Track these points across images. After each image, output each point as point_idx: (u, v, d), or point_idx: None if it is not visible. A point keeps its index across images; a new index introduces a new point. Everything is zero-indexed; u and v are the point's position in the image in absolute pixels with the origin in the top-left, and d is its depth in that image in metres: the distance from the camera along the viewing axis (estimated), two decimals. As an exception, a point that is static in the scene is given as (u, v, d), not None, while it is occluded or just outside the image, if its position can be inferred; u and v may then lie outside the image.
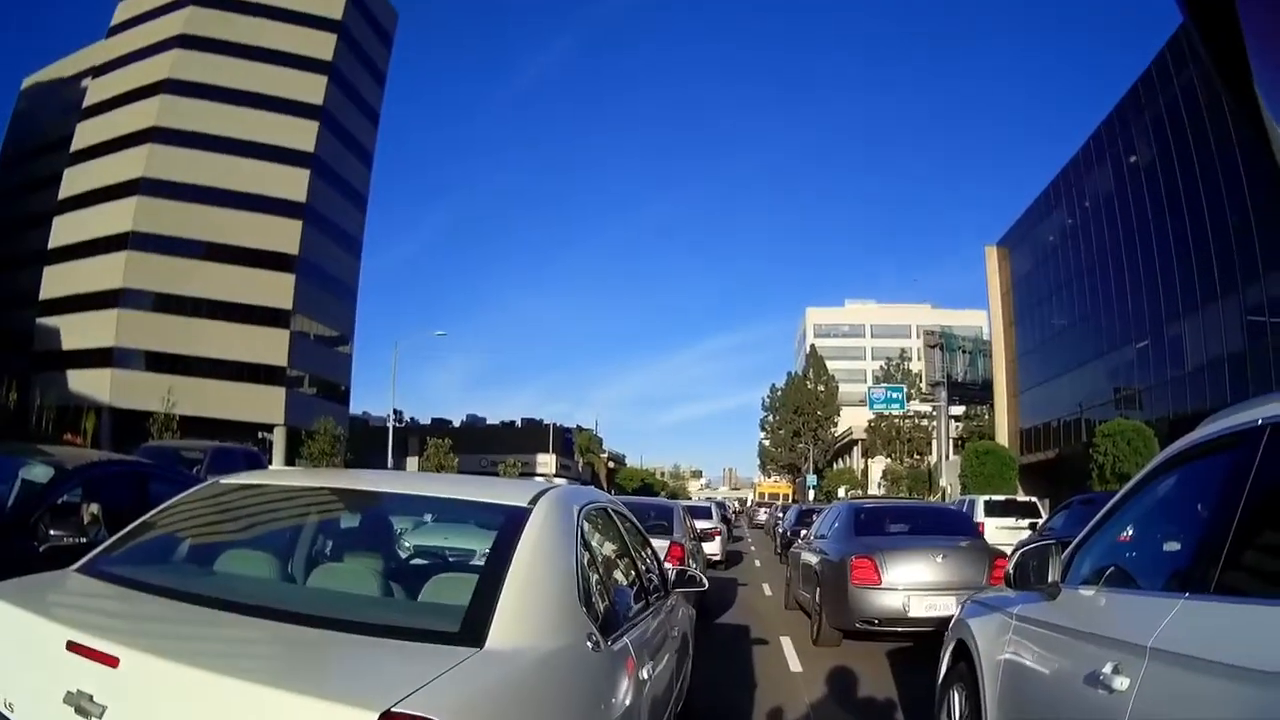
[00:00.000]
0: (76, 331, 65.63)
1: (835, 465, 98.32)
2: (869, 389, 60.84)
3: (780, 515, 36.68)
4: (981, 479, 41.07)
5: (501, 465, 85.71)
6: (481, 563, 3.42)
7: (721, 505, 28.69)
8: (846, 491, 72.31)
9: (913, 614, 9.66)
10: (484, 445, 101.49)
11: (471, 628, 2.69)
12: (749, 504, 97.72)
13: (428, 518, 4.61)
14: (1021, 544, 11.01)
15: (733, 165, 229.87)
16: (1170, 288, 39.71)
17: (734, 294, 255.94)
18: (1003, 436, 58.81)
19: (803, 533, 16.58)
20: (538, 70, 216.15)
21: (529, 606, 2.89)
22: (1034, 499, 23.28)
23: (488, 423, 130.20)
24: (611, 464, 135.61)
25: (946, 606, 8.94)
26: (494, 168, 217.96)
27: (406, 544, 4.58)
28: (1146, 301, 42.00)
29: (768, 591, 17.21)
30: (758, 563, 25.82)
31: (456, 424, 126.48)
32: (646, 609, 4.37)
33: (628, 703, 3.31)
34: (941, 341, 67.62)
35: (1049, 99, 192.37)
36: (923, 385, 70.60)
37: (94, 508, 6.12)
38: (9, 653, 2.63)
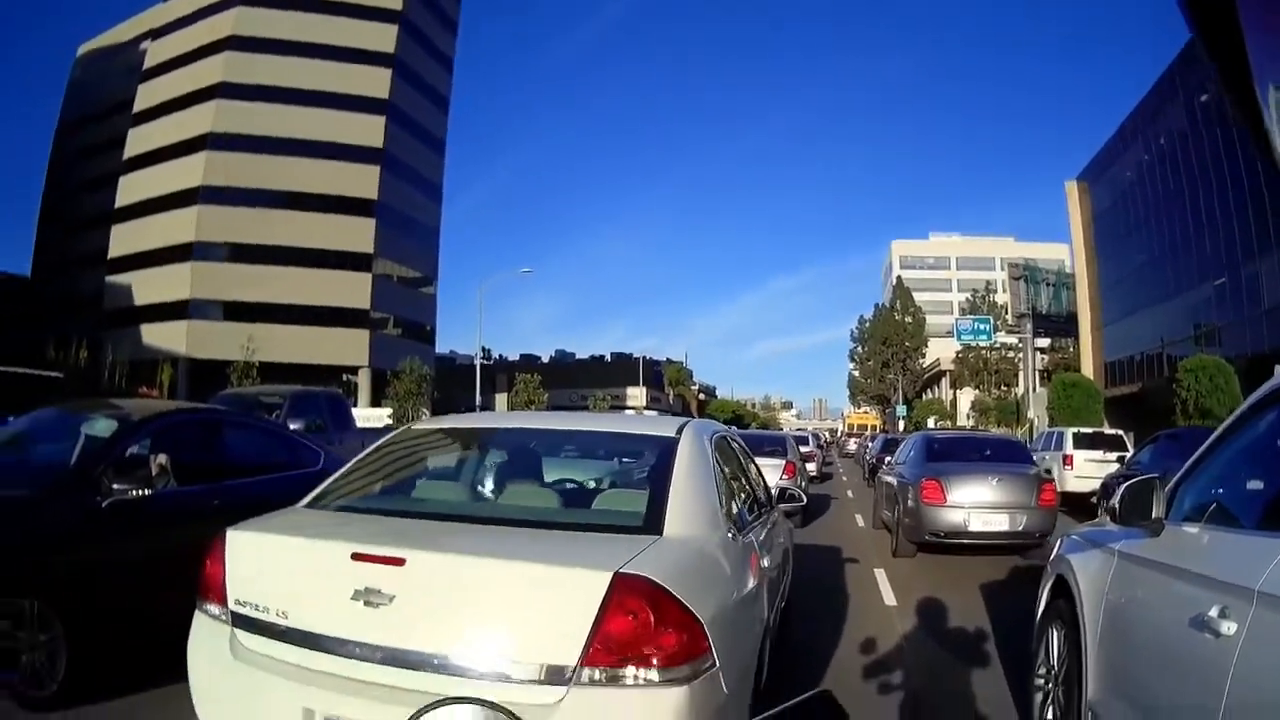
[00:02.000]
0: (150, 286, 67.16)
1: (924, 396, 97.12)
2: (956, 320, 59.58)
3: (869, 444, 38.51)
4: (1069, 411, 40.75)
5: (591, 399, 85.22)
6: (640, 479, 4.51)
7: (804, 439, 30.25)
8: (935, 422, 71.59)
9: (972, 528, 11.34)
10: (573, 380, 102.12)
11: (654, 522, 3.62)
12: (839, 434, 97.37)
13: (574, 449, 5.63)
14: (1113, 476, 13.19)
15: (816, 99, 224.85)
16: (1245, 225, 38.81)
17: (820, 227, 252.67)
18: (1088, 369, 57.85)
19: (887, 460, 18.10)
20: (619, 7, 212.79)
21: (688, 508, 3.79)
22: (1120, 432, 22.68)
23: (576, 357, 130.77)
24: (702, 396, 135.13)
25: (1000, 523, 11.33)
26: (576, 104, 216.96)
27: (570, 470, 5.52)
28: (1224, 238, 41.12)
29: (859, 522, 17.65)
30: (850, 493, 26.04)
31: (545, 360, 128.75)
32: (759, 518, 5.31)
33: (754, 580, 4.22)
34: (1026, 274, 65.37)
35: (1128, 30, 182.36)
36: (1009, 317, 68.66)
37: (162, 459, 5.97)
38: (296, 570, 3.40)
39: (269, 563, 3.50)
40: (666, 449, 4.22)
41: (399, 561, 3.12)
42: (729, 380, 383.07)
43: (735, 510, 4.54)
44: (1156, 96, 49.88)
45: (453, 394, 70.10)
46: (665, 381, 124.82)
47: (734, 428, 11.77)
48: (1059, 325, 66.13)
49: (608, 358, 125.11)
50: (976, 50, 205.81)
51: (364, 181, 71.34)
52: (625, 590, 2.97)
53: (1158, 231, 49.82)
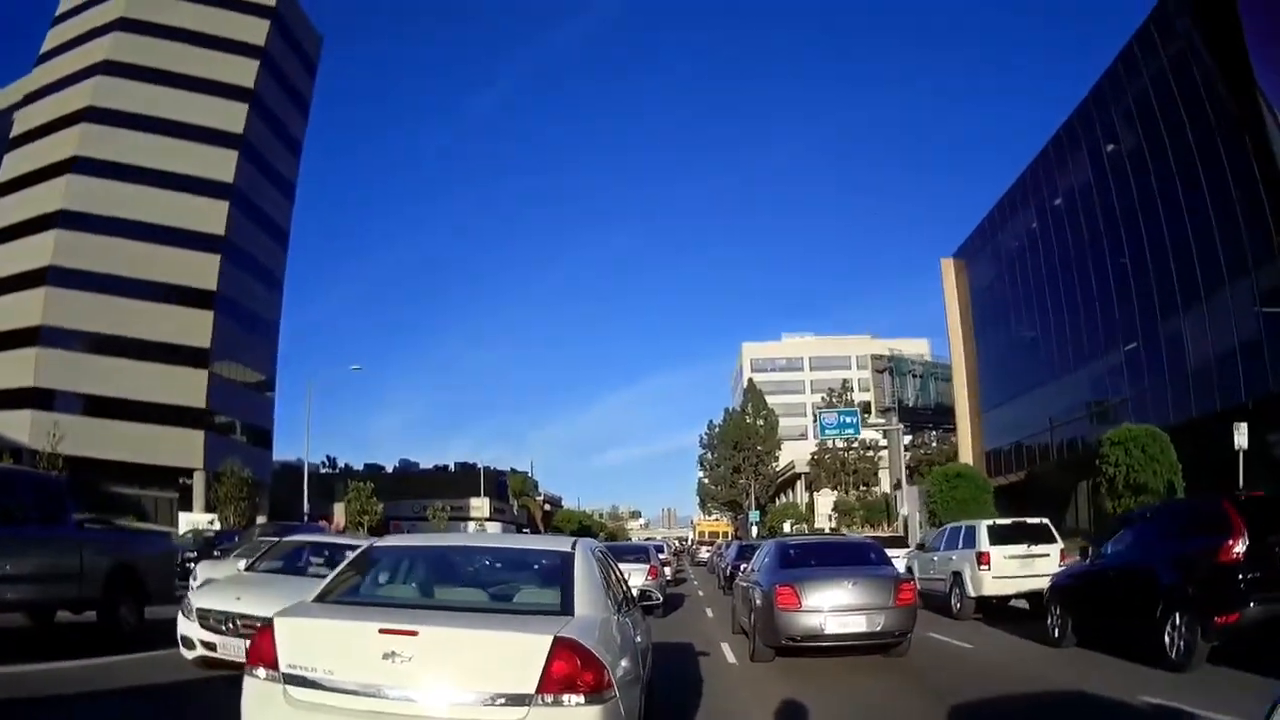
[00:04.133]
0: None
1: (778, 500, 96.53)
2: (820, 413, 57.57)
3: (723, 552, 37.16)
4: (954, 505, 37.96)
5: (430, 509, 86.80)
6: (551, 578, 6.02)
7: (660, 548, 32.13)
8: (792, 526, 70.48)
9: (829, 631, 11.65)
10: (417, 490, 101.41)
11: (567, 607, 5.41)
12: (690, 542, 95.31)
13: (495, 560, 7.03)
14: (1069, 573, 13.36)
15: (661, 204, 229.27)
16: (1165, 281, 38.00)
17: (668, 336, 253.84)
18: (966, 458, 56.85)
19: (743, 567, 18.84)
20: (472, 110, 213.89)
21: (587, 597, 5.56)
22: (1045, 520, 19.46)
23: (420, 467, 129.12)
24: (548, 506, 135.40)
25: (858, 624, 11.60)
26: (421, 218, 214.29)
27: (500, 573, 6.76)
28: (1136, 301, 40.11)
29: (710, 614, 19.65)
30: (708, 610, 25.82)
31: (389, 469, 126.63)
32: (630, 610, 7.06)
33: (632, 646, 6.08)
34: (891, 365, 65.92)
35: (981, 116, 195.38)
36: (872, 413, 68.90)
37: None
38: (336, 642, 4.89)
39: (313, 638, 4.94)
40: (566, 558, 6.00)
41: (413, 633, 4.69)
42: (576, 489, 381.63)
43: (614, 600, 6.24)
44: (1049, 157, 49.71)
45: (292, 501, 66.77)
46: (509, 492, 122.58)
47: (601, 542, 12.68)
48: (927, 417, 66.27)
49: (452, 467, 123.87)
50: (820, 148, 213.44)
51: (204, 270, 67.18)
52: (561, 647, 4.66)
53: (1049, 303, 49.20)
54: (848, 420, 54.66)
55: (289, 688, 4.71)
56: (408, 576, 6.37)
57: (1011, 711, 9.14)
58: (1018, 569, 17.68)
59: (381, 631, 4.69)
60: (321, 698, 4.66)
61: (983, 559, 17.86)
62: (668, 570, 28.94)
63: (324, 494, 74.76)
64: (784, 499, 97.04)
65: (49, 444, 41.28)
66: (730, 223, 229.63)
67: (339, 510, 70.49)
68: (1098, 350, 44.10)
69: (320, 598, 5.54)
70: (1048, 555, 17.90)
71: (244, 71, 72.66)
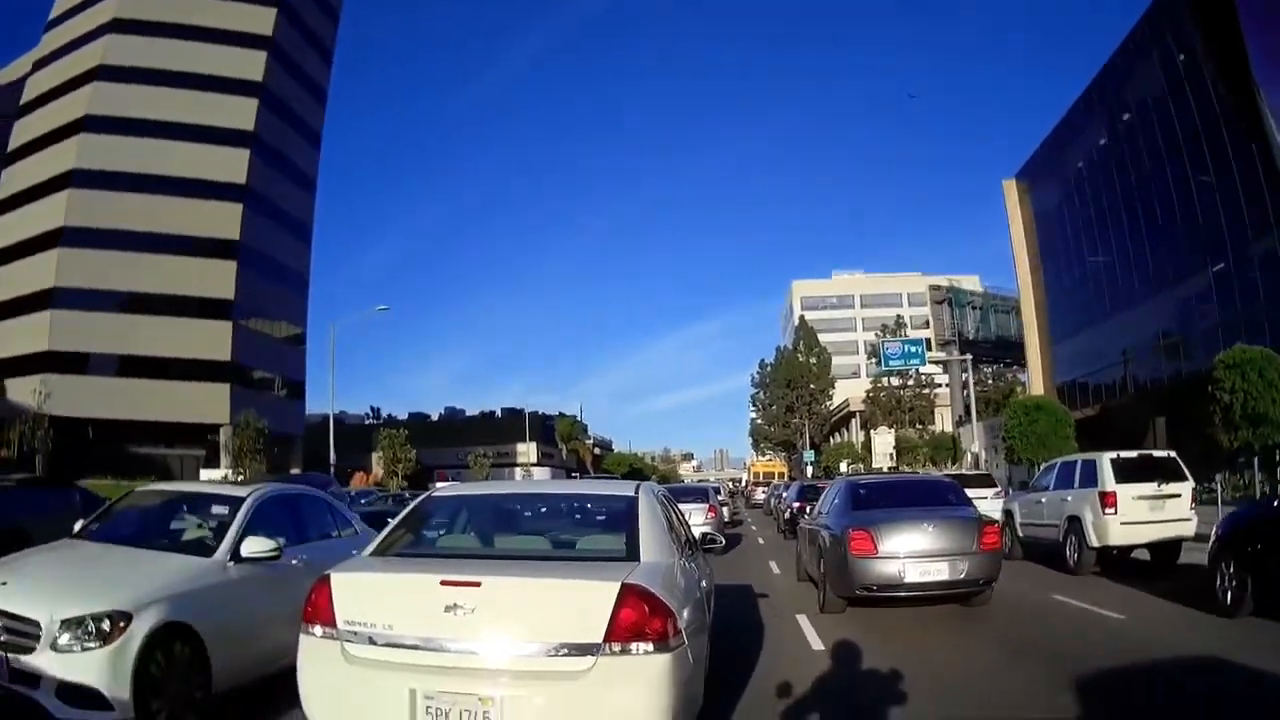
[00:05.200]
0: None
1: (832, 440, 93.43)
2: (882, 343, 53.78)
3: (782, 493, 34.98)
4: (1033, 440, 35.06)
5: (471, 456, 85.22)
6: (616, 523, 5.83)
7: (716, 489, 30.73)
8: (848, 466, 67.63)
9: (908, 579, 10.55)
10: (464, 438, 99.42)
11: (633, 552, 5.28)
12: (744, 484, 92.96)
13: (557, 507, 6.97)
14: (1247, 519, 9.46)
15: (708, 151, 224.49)
16: (1257, 196, 33.83)
17: (719, 276, 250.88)
18: (1037, 393, 52.73)
19: (807, 509, 18.20)
20: (515, 56, 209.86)
21: (653, 542, 5.42)
22: (1171, 453, 15.91)
23: (466, 414, 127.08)
24: (597, 450, 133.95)
25: (939, 572, 10.55)
26: (465, 165, 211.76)
27: (565, 519, 6.77)
28: (1224, 216, 35.91)
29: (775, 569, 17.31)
30: (761, 540, 25.75)
31: (434, 418, 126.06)
32: (693, 553, 6.91)
33: (699, 591, 6.08)
34: (950, 296, 61.68)
35: (1039, 23, 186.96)
36: (932, 348, 64.96)
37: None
38: (395, 596, 4.80)
39: (370, 593, 4.85)
40: (630, 502, 5.90)
41: (476, 584, 4.57)
42: (627, 434, 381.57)
43: (678, 543, 6.17)
44: (1116, 66, 45.63)
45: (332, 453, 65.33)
46: (557, 436, 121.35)
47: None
48: (986, 350, 62.04)
49: (499, 414, 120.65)
50: (867, 80, 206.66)
51: (226, 220, 65.33)
52: (629, 594, 4.54)
53: (1122, 224, 45.22)
54: (912, 350, 51.50)
55: (347, 645, 4.67)
56: (467, 526, 6.31)
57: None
58: (1147, 512, 14.62)
59: (443, 584, 4.61)
60: (381, 654, 4.61)
61: (1107, 500, 14.68)
62: (725, 511, 28.68)
63: (366, 446, 73.07)
64: (838, 438, 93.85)
65: (35, 404, 39.23)
66: (776, 161, 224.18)
67: (375, 460, 69.16)
68: (1180, 273, 40.01)
69: (379, 551, 5.57)
70: (1179, 496, 14.84)
71: (261, 19, 70.18)
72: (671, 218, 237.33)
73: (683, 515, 7.74)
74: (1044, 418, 35.99)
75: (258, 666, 6.77)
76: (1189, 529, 14.68)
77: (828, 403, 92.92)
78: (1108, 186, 46.92)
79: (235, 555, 6.88)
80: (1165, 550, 15.14)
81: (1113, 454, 15.46)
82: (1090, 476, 15.39)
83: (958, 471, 32.63)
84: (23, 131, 67.43)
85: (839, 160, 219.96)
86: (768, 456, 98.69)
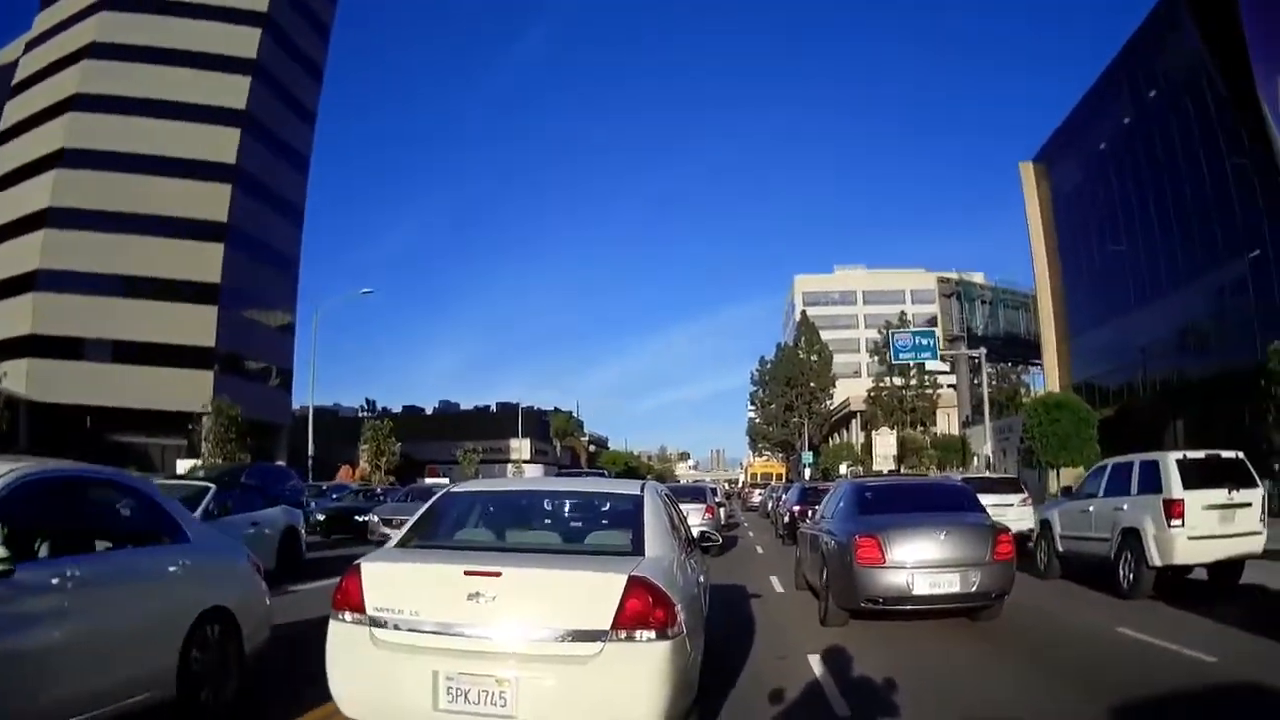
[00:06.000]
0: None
1: (831, 440, 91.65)
2: (892, 333, 51.02)
3: (781, 495, 32.78)
4: (1054, 441, 33.14)
5: (460, 451, 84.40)
6: (622, 520, 6.10)
7: (713, 490, 30.98)
8: (848, 468, 65.70)
9: (917, 591, 9.90)
10: (458, 432, 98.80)
11: (638, 547, 5.54)
12: (740, 485, 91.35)
13: (567, 504, 7.14)
14: None
15: (710, 146, 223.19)
16: None
17: (720, 272, 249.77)
18: (1052, 389, 50.74)
19: (809, 513, 17.37)
20: (522, 47, 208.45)
21: (657, 538, 5.68)
22: (1240, 455, 13.32)
23: (461, 408, 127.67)
24: (593, 447, 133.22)
25: (951, 583, 9.91)
26: (467, 158, 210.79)
27: (575, 515, 7.00)
28: (1264, 198, 33.47)
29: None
30: (759, 548, 24.30)
31: (429, 411, 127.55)
32: (691, 550, 7.12)
33: (697, 585, 6.40)
34: (959, 289, 59.41)
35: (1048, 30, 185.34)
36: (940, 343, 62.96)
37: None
38: (422, 584, 5.09)
39: (398, 581, 5.16)
40: (636, 500, 6.18)
41: (497, 574, 4.88)
42: (624, 431, 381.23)
43: (679, 541, 6.42)
44: (1147, 38, 43.23)
45: (322, 446, 63.75)
46: (551, 433, 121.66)
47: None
48: (995, 349, 59.71)
49: (494, 408, 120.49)
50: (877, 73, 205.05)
51: (214, 201, 63.65)
52: (635, 585, 4.83)
53: (1151, 208, 42.74)
54: (924, 343, 48.49)
55: (375, 629, 4.94)
56: (482, 521, 6.51)
57: None
58: (1216, 525, 12.44)
59: (467, 573, 4.88)
60: (406, 638, 4.87)
61: (1173, 510, 12.40)
62: (721, 513, 29.06)
63: (358, 439, 71.38)
64: (838, 439, 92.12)
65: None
66: (777, 155, 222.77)
67: (362, 452, 67.51)
68: (1214, 261, 37.64)
69: (402, 543, 5.82)
70: (1249, 505, 12.72)
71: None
72: (675, 213, 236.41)
73: (683, 514, 7.94)
74: (1066, 416, 33.99)
75: None
76: (1258, 545, 12.56)
77: (828, 402, 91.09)
78: (1133, 167, 44.68)
79: None
80: (1226, 569, 12.99)
81: (1178, 454, 13.21)
82: (1151, 481, 13.10)
83: (978, 475, 29.71)
84: (12, 113, 65.85)
85: (842, 154, 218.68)
86: (765, 457, 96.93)
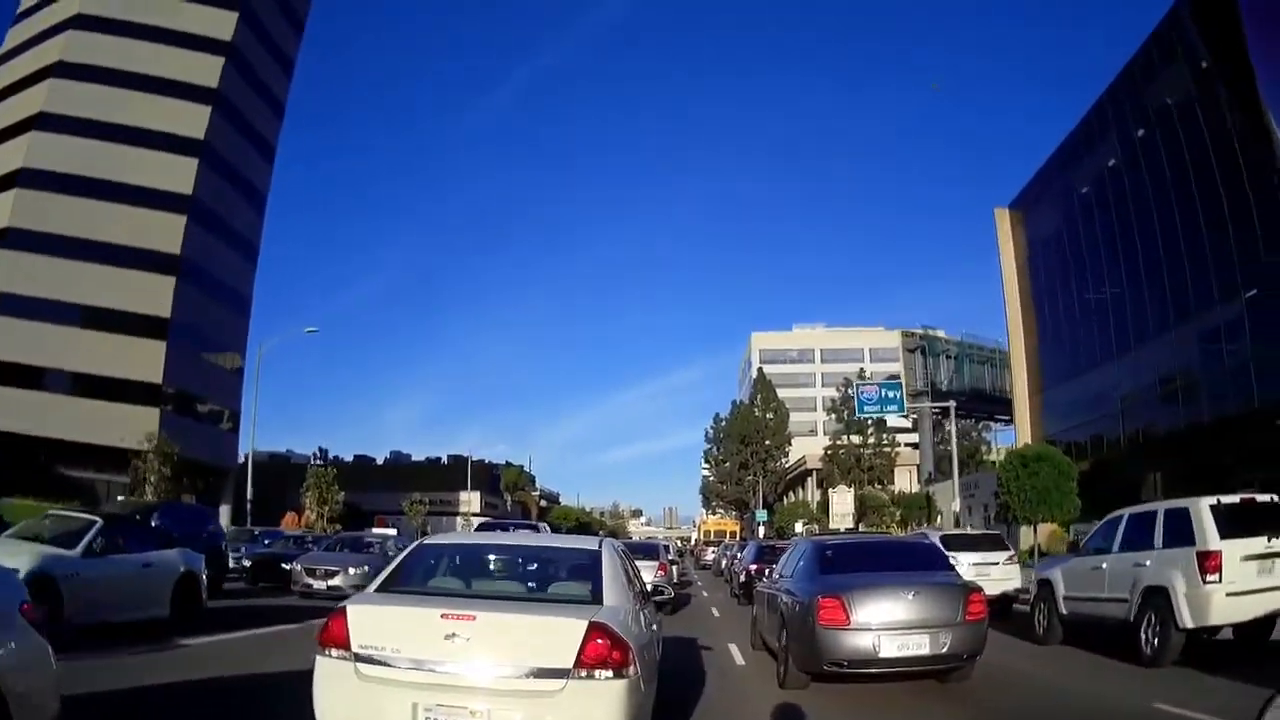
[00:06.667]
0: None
1: (786, 498, 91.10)
2: (857, 386, 50.34)
3: (737, 553, 32.34)
4: (1032, 496, 31.84)
5: (406, 502, 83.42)
6: (581, 573, 6.72)
7: (666, 547, 30.56)
8: (804, 526, 65.03)
9: (884, 654, 9.46)
10: (407, 483, 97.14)
11: (597, 597, 6.11)
12: (694, 543, 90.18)
13: (532, 557, 7.89)
14: None
15: (670, 199, 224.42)
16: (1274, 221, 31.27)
17: (677, 330, 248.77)
18: (1025, 442, 49.59)
19: (765, 570, 17.03)
20: (483, 103, 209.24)
21: (614, 588, 6.28)
22: (1274, 498, 11.94)
23: (412, 459, 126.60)
24: (544, 502, 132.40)
25: (920, 645, 9.40)
26: (426, 215, 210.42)
27: (537, 567, 7.69)
28: (1261, 241, 32.77)
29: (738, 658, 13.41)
30: (715, 611, 22.87)
31: (379, 461, 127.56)
32: (645, 603, 7.69)
33: (650, 632, 7.03)
34: (923, 344, 59.34)
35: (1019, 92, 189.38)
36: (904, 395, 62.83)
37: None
38: (402, 626, 5.52)
39: (382, 622, 5.58)
40: (594, 555, 6.78)
41: (472, 618, 5.35)
42: (576, 486, 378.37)
43: (635, 593, 7.06)
44: (1128, 79, 43.37)
45: (274, 492, 66.70)
46: (502, 486, 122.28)
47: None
48: (960, 404, 59.77)
49: (444, 460, 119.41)
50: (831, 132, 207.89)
51: (167, 232, 61.77)
52: (595, 630, 5.33)
53: (1138, 252, 42.01)
54: (890, 395, 47.81)
55: (360, 665, 5.37)
56: (453, 571, 7.00)
57: None
58: (1255, 578, 11.04)
59: (443, 616, 5.39)
60: (388, 673, 5.33)
61: (1208, 564, 11.02)
62: (674, 570, 29.02)
63: (296, 483, 69.71)
64: (792, 497, 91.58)
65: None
66: (738, 212, 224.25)
67: (308, 500, 65.90)
68: (1194, 308, 37.23)
69: (381, 588, 6.31)
70: None
71: (222, 24, 67.57)
72: (633, 272, 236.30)
73: (638, 569, 8.56)
74: (1045, 469, 32.63)
75: None
76: None
77: (783, 460, 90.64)
78: (1113, 214, 44.47)
79: None
80: (1257, 626, 11.58)
81: (1210, 499, 11.72)
82: (1179, 532, 11.77)
83: (958, 532, 27.37)
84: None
85: (804, 212, 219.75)
86: (719, 514, 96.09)
